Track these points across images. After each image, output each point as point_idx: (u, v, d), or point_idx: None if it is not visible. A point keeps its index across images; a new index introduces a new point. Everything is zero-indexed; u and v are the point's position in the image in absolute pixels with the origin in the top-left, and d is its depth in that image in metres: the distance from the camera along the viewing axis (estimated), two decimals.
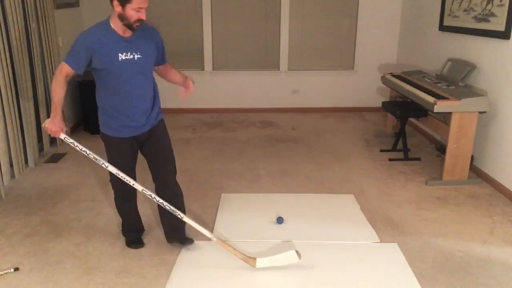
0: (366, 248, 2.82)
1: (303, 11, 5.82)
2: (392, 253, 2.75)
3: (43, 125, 2.43)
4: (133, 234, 2.87)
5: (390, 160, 4.30)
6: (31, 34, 4.15)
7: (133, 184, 2.55)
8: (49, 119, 2.41)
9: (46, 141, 4.46)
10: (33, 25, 4.16)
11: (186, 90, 2.69)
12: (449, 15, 4.43)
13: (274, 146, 4.75)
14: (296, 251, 2.52)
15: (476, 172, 3.93)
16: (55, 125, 2.38)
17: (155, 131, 2.61)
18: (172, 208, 2.60)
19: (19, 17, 3.87)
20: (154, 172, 2.69)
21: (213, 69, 5.97)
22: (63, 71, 2.36)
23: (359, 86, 6.07)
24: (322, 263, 2.64)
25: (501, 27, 3.56)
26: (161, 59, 2.64)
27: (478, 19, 3.90)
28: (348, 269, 2.58)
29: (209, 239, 2.69)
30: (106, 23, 2.38)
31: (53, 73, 4.55)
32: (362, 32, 5.87)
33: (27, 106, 4.03)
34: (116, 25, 2.36)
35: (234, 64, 6.01)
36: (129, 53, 2.39)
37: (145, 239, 2.90)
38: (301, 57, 6.01)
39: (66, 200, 3.45)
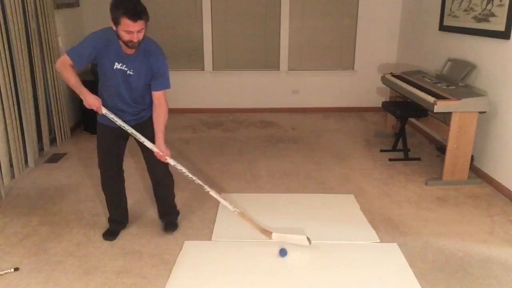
0: (366, 248, 2.82)
1: (303, 11, 5.82)
2: (392, 253, 2.75)
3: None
4: (112, 225, 2.98)
5: (390, 160, 4.30)
6: (31, 34, 4.15)
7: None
8: (84, 101, 2.54)
9: (46, 141, 4.46)
10: (33, 25, 4.17)
11: (157, 153, 2.69)
12: (449, 15, 4.43)
13: (274, 146, 4.75)
14: (308, 238, 2.74)
15: (476, 172, 3.93)
16: (90, 104, 2.52)
17: (141, 126, 2.71)
18: (200, 181, 2.84)
19: (19, 17, 3.87)
20: (145, 161, 2.87)
21: (213, 69, 5.97)
22: (67, 63, 2.48)
23: (359, 86, 6.07)
24: (322, 263, 2.64)
25: (501, 27, 3.56)
26: (154, 85, 2.62)
27: (478, 19, 3.90)
28: (348, 269, 2.58)
29: (209, 239, 2.84)
30: (115, 34, 2.44)
31: (53, 73, 4.57)
32: (362, 32, 5.87)
33: (27, 106, 4.03)
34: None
35: (234, 64, 6.01)
36: (124, 66, 2.53)
37: (145, 239, 2.90)
38: (301, 57, 6.01)
39: (66, 200, 3.45)
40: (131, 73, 2.54)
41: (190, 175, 2.79)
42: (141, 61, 2.54)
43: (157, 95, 2.63)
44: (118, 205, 2.97)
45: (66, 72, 2.48)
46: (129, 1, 2.32)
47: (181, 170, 2.76)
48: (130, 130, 2.63)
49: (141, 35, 2.40)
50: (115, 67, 2.51)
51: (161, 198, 3.01)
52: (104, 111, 2.58)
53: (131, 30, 2.33)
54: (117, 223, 2.99)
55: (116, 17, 2.33)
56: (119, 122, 2.61)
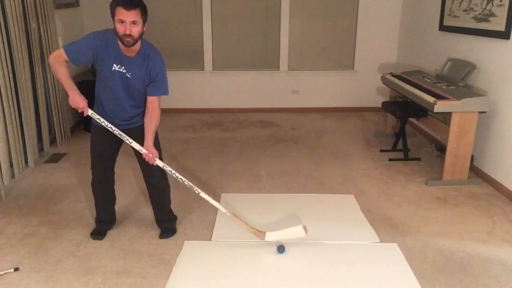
0: (366, 248, 2.82)
1: (303, 11, 5.82)
2: (392, 253, 2.75)
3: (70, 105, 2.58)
4: (99, 224, 2.98)
5: (390, 160, 4.30)
6: (31, 34, 4.15)
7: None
8: (69, 98, 2.53)
9: (46, 141, 4.46)
10: (33, 25, 4.17)
11: (146, 155, 2.63)
12: (449, 15, 4.43)
13: (274, 146, 4.75)
14: (303, 226, 2.68)
15: (476, 172, 3.93)
16: (76, 102, 2.52)
17: (135, 130, 2.68)
18: (189, 183, 2.76)
19: (19, 17, 3.87)
20: (140, 167, 2.84)
21: (213, 69, 5.97)
22: (62, 58, 2.47)
23: (359, 86, 6.07)
24: (322, 263, 2.64)
25: (501, 27, 3.56)
26: (150, 90, 2.58)
27: (478, 19, 3.90)
28: (348, 269, 2.58)
29: (209, 239, 2.86)
30: (114, 36, 2.44)
31: (53, 73, 4.56)
32: (362, 32, 5.87)
33: (27, 106, 4.03)
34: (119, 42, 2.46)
35: (234, 64, 6.01)
36: (123, 68, 2.51)
37: (145, 239, 2.90)
38: (301, 57, 6.01)
39: (66, 200, 3.45)
40: (129, 76, 2.52)
41: (180, 177, 2.75)
42: (140, 64, 2.52)
43: (151, 100, 2.60)
44: (106, 206, 2.97)
45: (59, 66, 2.47)
46: None
47: (171, 171, 2.73)
48: (117, 131, 2.61)
49: (135, 30, 2.36)
50: (113, 68, 2.49)
51: (157, 204, 2.97)
52: (89, 112, 2.58)
53: (123, 19, 2.32)
54: (104, 223, 2.99)
55: (112, 8, 2.36)
56: (106, 123, 2.61)
